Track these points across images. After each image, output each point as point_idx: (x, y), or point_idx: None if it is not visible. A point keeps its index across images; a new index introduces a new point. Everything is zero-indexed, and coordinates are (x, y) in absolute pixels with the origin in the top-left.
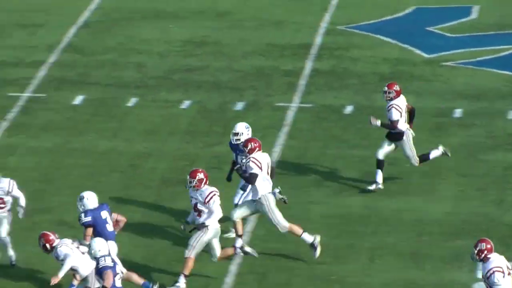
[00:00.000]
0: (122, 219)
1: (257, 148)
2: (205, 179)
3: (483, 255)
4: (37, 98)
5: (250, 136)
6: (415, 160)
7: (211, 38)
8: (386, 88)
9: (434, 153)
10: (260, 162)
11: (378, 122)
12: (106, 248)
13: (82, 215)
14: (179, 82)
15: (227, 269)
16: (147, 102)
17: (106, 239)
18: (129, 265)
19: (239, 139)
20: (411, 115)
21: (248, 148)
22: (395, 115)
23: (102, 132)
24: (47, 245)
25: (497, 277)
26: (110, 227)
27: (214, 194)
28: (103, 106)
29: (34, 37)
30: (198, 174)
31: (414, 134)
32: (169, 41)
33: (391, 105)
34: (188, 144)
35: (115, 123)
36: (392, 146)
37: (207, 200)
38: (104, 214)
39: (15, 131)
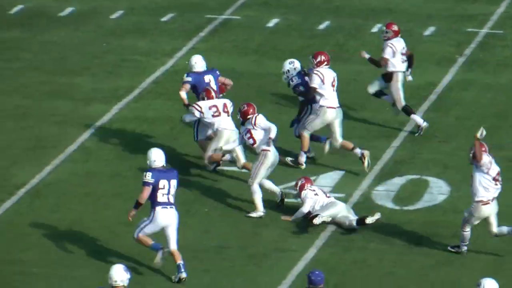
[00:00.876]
0: (229, 83)
1: (325, 62)
2: (252, 110)
3: None
4: (495, 34)
5: (298, 70)
6: (400, 104)
7: None
8: (384, 28)
9: (417, 118)
10: (324, 75)
11: (367, 56)
12: (162, 161)
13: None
14: None
15: None
16: None
17: None
18: None
19: (287, 77)
20: (410, 60)
21: (317, 61)
22: (386, 53)
23: None
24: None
25: None
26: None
27: (258, 115)
28: None
29: None
30: (241, 106)
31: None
32: None
33: (386, 43)
34: None
35: None
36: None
37: (254, 122)
38: (208, 78)
39: (472, 67)
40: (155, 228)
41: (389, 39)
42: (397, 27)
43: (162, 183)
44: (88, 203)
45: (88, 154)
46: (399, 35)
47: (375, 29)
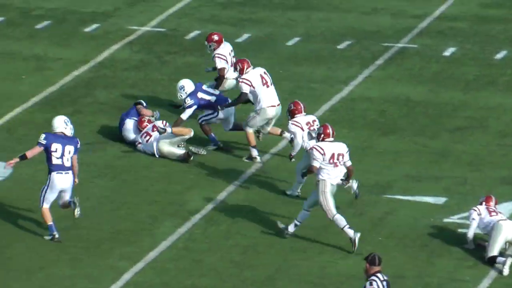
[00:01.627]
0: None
1: (246, 67)
2: (299, 109)
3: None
4: None
5: (189, 93)
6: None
7: None
8: (206, 43)
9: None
10: (251, 80)
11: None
12: (64, 128)
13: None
14: None
15: None
16: None
17: None
18: None
19: (181, 95)
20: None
21: (239, 69)
22: (219, 63)
23: None
24: None
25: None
26: None
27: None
28: None
29: None
30: (289, 105)
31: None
32: None
33: (214, 54)
34: None
35: None
36: None
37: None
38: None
39: None
40: (54, 192)
41: (214, 50)
42: (218, 36)
43: (55, 146)
44: (262, 229)
45: (263, 181)
46: (223, 41)
47: None
